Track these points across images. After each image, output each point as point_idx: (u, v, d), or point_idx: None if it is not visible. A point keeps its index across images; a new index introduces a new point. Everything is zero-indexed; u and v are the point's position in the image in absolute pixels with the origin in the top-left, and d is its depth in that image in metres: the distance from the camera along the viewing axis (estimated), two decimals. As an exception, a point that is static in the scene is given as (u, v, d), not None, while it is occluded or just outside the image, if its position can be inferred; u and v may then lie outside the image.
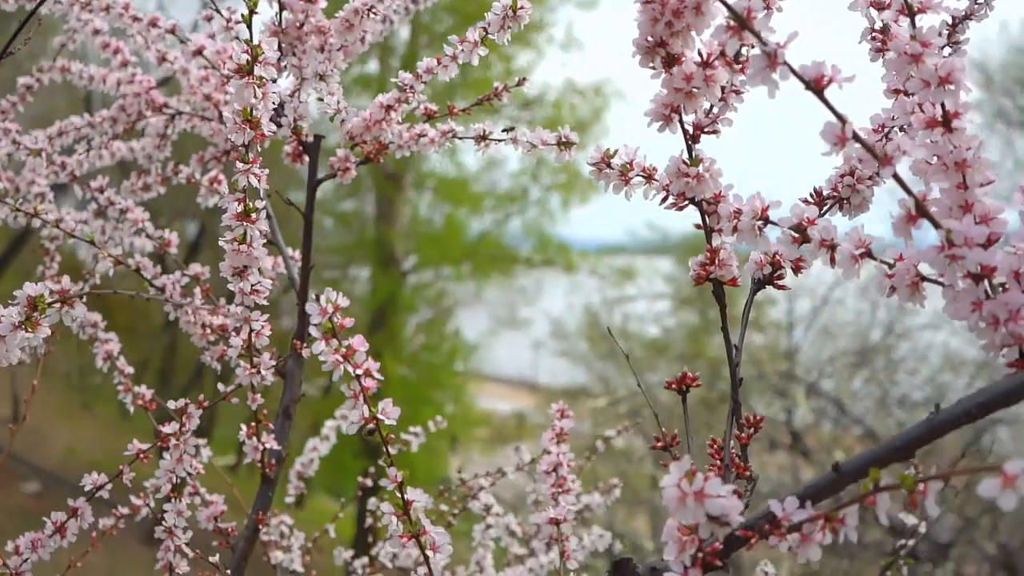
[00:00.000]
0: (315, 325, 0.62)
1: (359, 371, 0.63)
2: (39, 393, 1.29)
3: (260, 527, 1.01)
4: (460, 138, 0.97)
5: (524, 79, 1.02)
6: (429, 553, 0.65)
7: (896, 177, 0.52)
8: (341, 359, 0.63)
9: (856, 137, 0.51)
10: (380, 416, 0.64)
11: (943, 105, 0.54)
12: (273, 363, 0.92)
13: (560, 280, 11.56)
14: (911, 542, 1.12)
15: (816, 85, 0.51)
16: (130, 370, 1.11)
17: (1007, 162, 8.76)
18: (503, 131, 0.94)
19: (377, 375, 0.64)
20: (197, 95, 1.16)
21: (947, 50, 0.73)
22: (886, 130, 0.70)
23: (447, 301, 11.88)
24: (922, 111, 0.56)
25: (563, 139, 0.87)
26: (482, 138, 0.96)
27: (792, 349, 6.50)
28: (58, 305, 0.66)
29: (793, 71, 0.51)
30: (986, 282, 0.53)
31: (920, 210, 0.52)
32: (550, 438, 0.99)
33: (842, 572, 6.40)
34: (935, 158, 0.55)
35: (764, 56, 0.50)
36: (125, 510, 1.14)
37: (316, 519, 1.60)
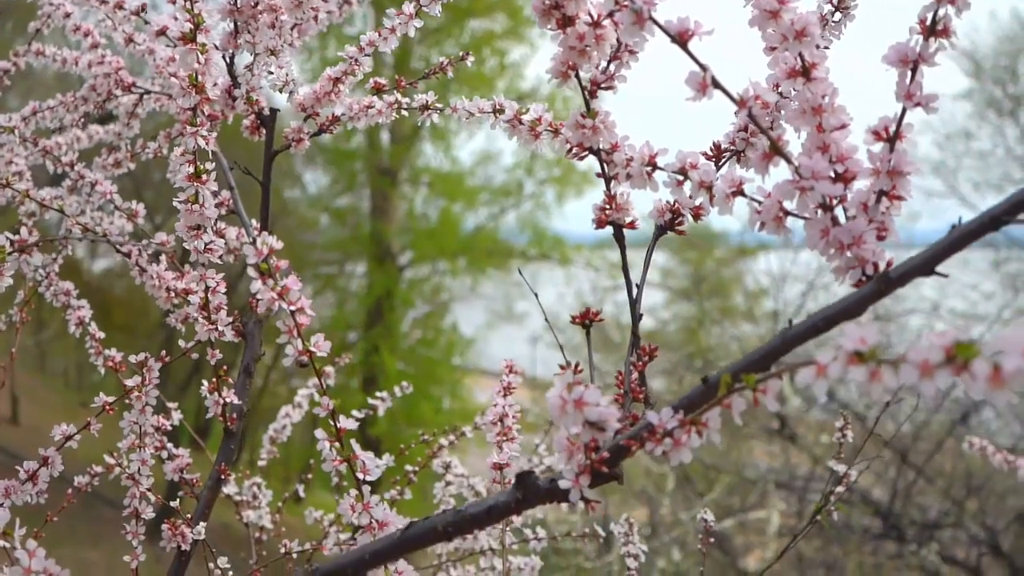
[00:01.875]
0: (251, 265, 0.68)
1: (293, 307, 0.69)
2: (37, 391, 1.36)
3: (223, 477, 1.07)
4: (406, 109, 1.04)
5: (468, 54, 1.09)
6: (360, 475, 0.72)
7: (752, 118, 0.58)
8: (276, 296, 0.69)
9: (715, 83, 0.57)
10: (312, 348, 0.70)
11: (801, 56, 0.61)
12: (229, 320, 0.98)
13: (556, 273, 11.61)
14: (840, 488, 1.18)
15: (681, 38, 0.58)
16: (101, 335, 1.17)
17: (998, 150, 8.81)
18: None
19: (310, 312, 0.70)
20: (163, 74, 1.22)
21: (837, 15, 0.79)
22: (779, 88, 0.76)
23: (443, 296, 11.95)
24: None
25: (497, 107, 0.93)
26: (425, 107, 1.02)
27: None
28: (16, 254, 0.72)
29: (659, 26, 0.57)
30: (839, 212, 0.60)
31: (775, 149, 0.58)
32: (497, 391, 1.05)
33: (831, 556, 6.48)
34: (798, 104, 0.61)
35: (633, 13, 0.57)
36: (99, 468, 1.20)
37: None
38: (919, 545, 5.72)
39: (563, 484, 0.61)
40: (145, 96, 1.29)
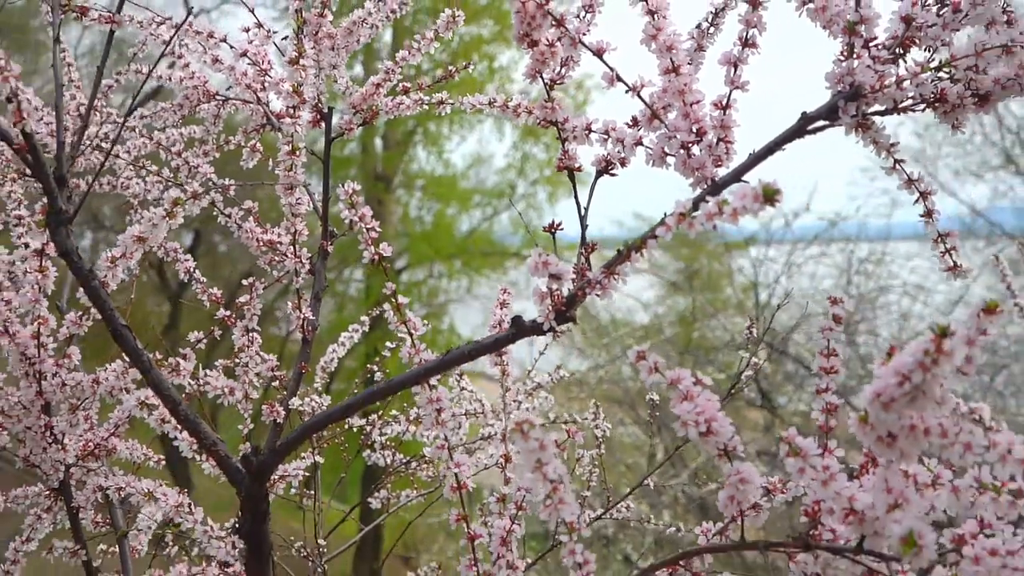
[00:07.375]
0: (342, 200, 1.10)
1: (368, 226, 1.11)
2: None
3: (303, 373, 1.49)
4: (427, 104, 1.46)
5: (469, 63, 1.51)
6: (412, 331, 1.13)
7: (640, 98, 1.00)
8: (357, 220, 1.11)
9: (618, 77, 0.99)
10: (381, 251, 1.12)
11: (671, 60, 1.03)
12: (310, 255, 1.40)
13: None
14: (749, 372, 1.59)
15: (598, 52, 1.00)
16: (204, 280, 1.59)
17: (976, 138, 9.24)
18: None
19: (377, 228, 1.12)
20: (241, 85, 1.64)
21: (712, 28, 1.21)
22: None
23: (440, 298, 12.34)
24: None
25: (492, 100, 1.35)
26: (441, 102, 1.44)
27: (758, 313, 7.01)
28: (192, 199, 1.14)
29: (585, 45, 0.99)
30: (695, 150, 1.02)
31: (654, 115, 1.01)
32: (497, 305, 1.46)
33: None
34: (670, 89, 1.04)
35: (570, 39, 0.99)
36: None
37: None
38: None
39: (539, 319, 1.03)
40: (225, 102, 1.70)
